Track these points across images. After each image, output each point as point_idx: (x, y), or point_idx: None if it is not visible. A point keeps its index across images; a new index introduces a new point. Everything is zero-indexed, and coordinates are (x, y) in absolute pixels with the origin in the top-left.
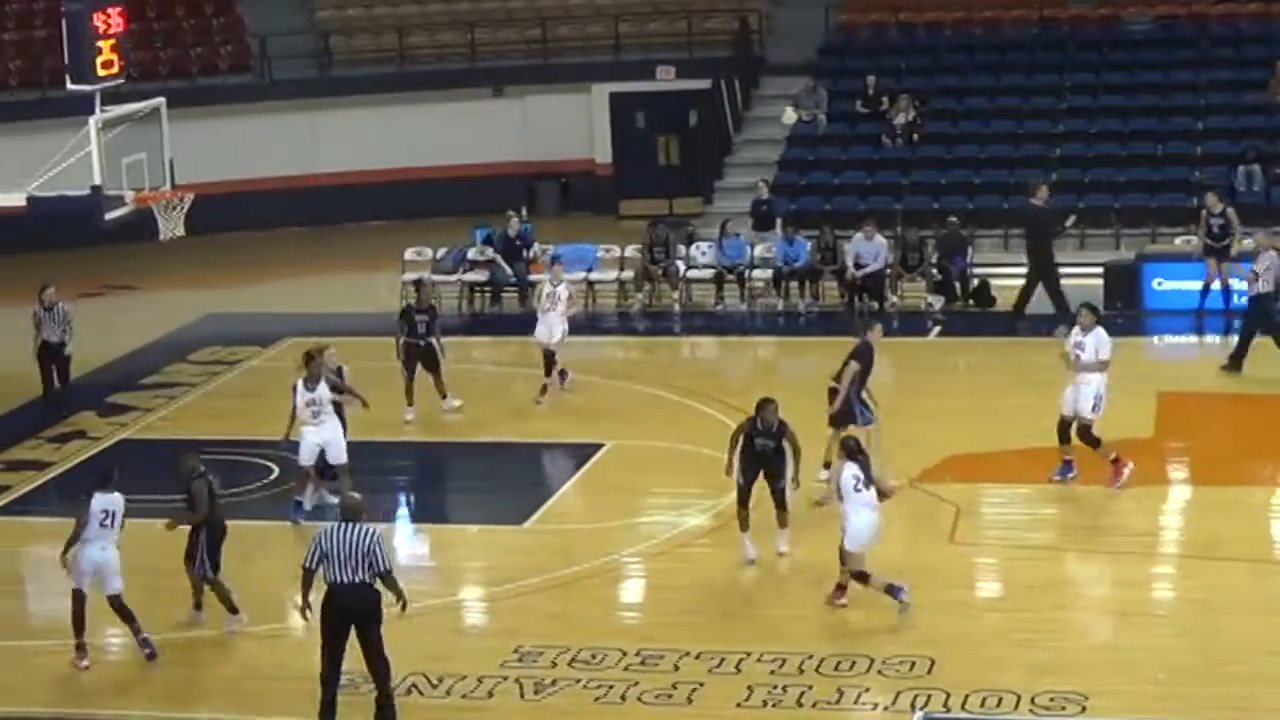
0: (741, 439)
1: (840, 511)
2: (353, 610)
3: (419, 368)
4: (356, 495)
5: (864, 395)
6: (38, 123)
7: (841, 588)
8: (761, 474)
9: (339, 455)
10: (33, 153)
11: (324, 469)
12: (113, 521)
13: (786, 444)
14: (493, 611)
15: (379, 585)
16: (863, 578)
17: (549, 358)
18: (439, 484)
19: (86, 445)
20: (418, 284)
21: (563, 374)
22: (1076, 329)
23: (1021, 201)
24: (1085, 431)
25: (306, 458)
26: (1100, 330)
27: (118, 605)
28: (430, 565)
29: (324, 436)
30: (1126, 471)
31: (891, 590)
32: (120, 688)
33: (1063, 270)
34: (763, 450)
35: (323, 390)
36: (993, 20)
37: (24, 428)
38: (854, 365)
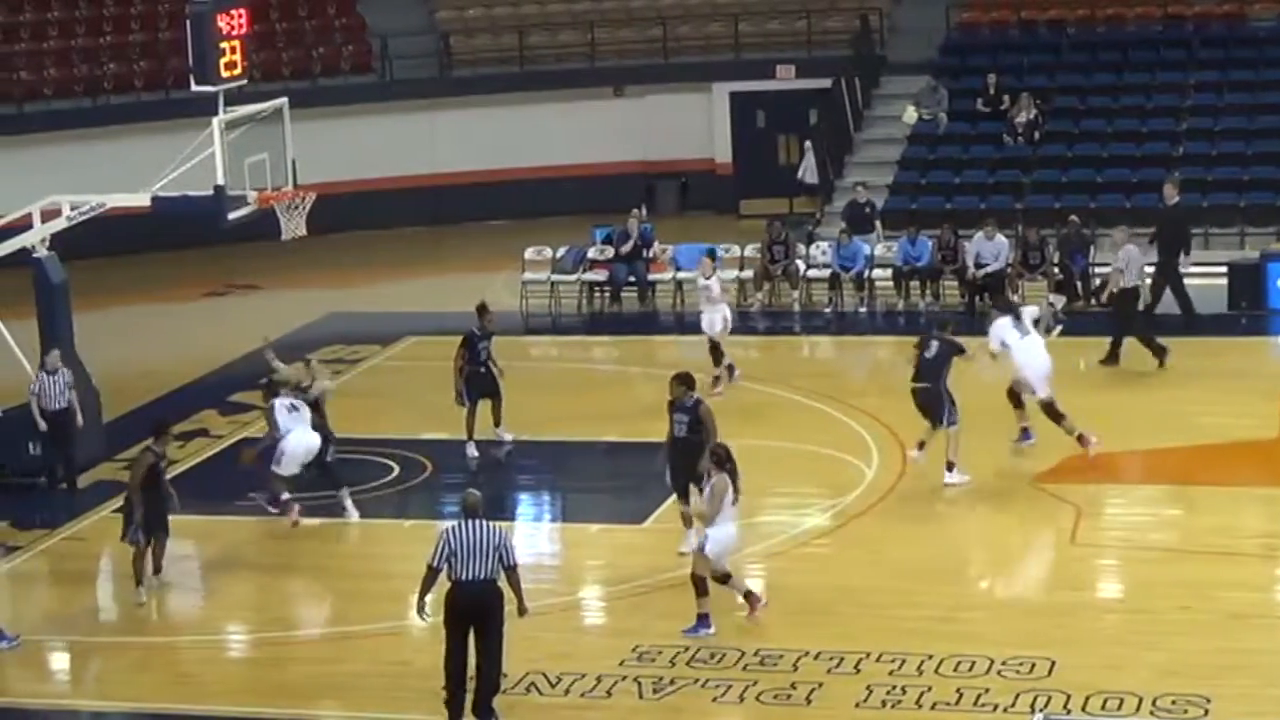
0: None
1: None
2: (477, 606)
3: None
4: (476, 492)
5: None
6: (162, 123)
7: (750, 594)
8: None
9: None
10: (157, 153)
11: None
12: None
13: (703, 426)
14: (612, 610)
15: (501, 583)
16: (724, 579)
17: (713, 348)
18: (559, 483)
19: (209, 443)
20: (482, 309)
21: (730, 368)
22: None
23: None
24: (1047, 409)
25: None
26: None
27: None
28: (551, 564)
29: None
30: (1093, 442)
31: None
32: (241, 685)
33: (1186, 269)
34: (679, 434)
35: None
36: (1116, 18)
37: (146, 427)
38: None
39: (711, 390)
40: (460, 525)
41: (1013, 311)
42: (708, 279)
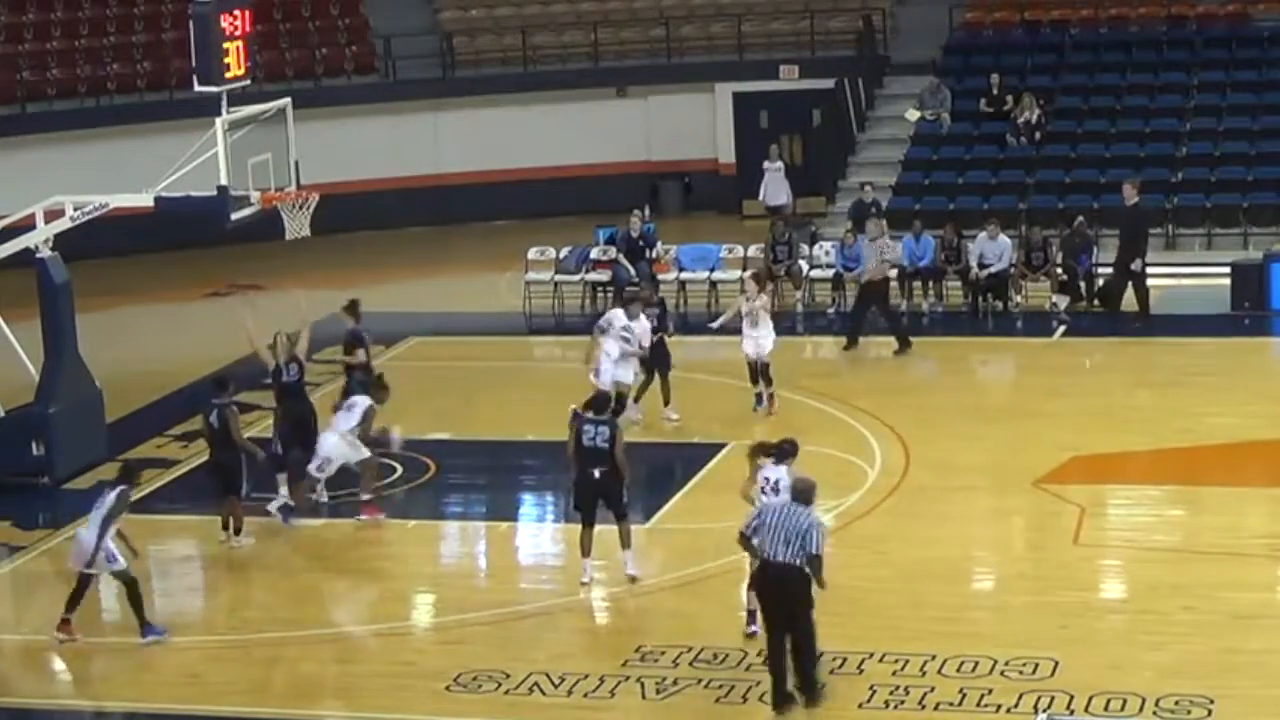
0: (571, 437)
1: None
2: (784, 589)
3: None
4: (810, 478)
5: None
6: (165, 124)
7: (752, 613)
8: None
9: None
10: (160, 154)
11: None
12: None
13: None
14: (615, 610)
15: (807, 570)
16: None
17: (759, 370)
18: (562, 483)
19: None
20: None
21: (769, 395)
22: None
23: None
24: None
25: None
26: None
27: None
28: (554, 564)
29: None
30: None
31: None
32: (245, 685)
33: (1189, 270)
34: (591, 446)
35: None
36: (1119, 18)
37: (150, 427)
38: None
39: (769, 409)
40: (778, 504)
41: (627, 305)
42: (752, 300)
